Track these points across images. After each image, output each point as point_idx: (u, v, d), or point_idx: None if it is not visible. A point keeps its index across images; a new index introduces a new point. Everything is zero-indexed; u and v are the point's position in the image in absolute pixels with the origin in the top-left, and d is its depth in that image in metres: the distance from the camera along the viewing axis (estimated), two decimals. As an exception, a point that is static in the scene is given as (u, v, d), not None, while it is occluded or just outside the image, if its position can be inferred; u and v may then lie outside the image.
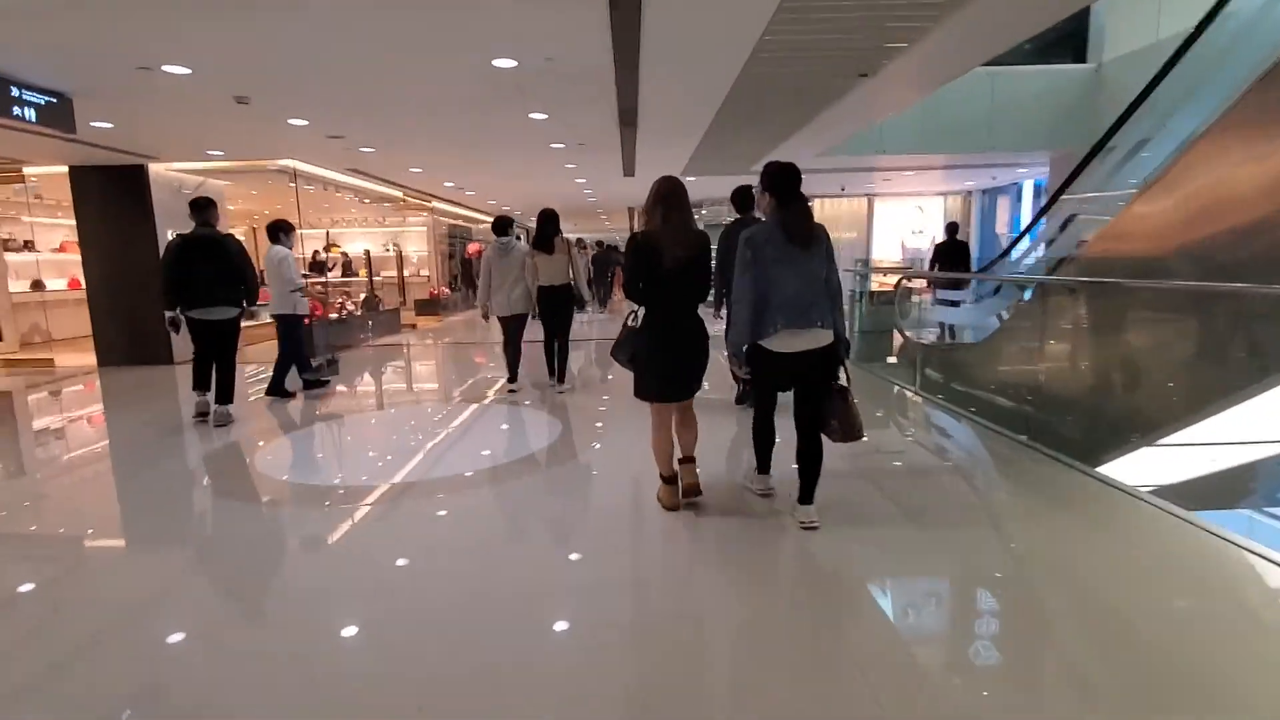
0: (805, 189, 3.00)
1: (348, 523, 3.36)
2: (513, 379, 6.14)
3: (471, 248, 19.23)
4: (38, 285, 10.82)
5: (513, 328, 6.04)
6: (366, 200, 11.98)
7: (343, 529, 3.29)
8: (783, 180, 2.92)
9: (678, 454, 3.26)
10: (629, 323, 3.28)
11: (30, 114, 4.60)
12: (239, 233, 18.57)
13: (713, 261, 3.23)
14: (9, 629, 2.47)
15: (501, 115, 6.09)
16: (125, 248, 8.51)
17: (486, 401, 6.11)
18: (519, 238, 6.73)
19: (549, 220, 5.79)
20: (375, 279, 15.54)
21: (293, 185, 9.37)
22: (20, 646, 2.34)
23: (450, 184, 11.42)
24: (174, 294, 5.05)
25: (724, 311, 4.50)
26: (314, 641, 2.32)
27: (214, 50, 4.16)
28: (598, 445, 4.65)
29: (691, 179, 11.39)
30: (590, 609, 2.49)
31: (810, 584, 2.77)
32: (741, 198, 4.95)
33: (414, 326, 12.54)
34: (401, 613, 2.49)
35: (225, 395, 5.31)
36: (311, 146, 7.57)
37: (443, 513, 3.47)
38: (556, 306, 5.86)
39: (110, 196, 8.42)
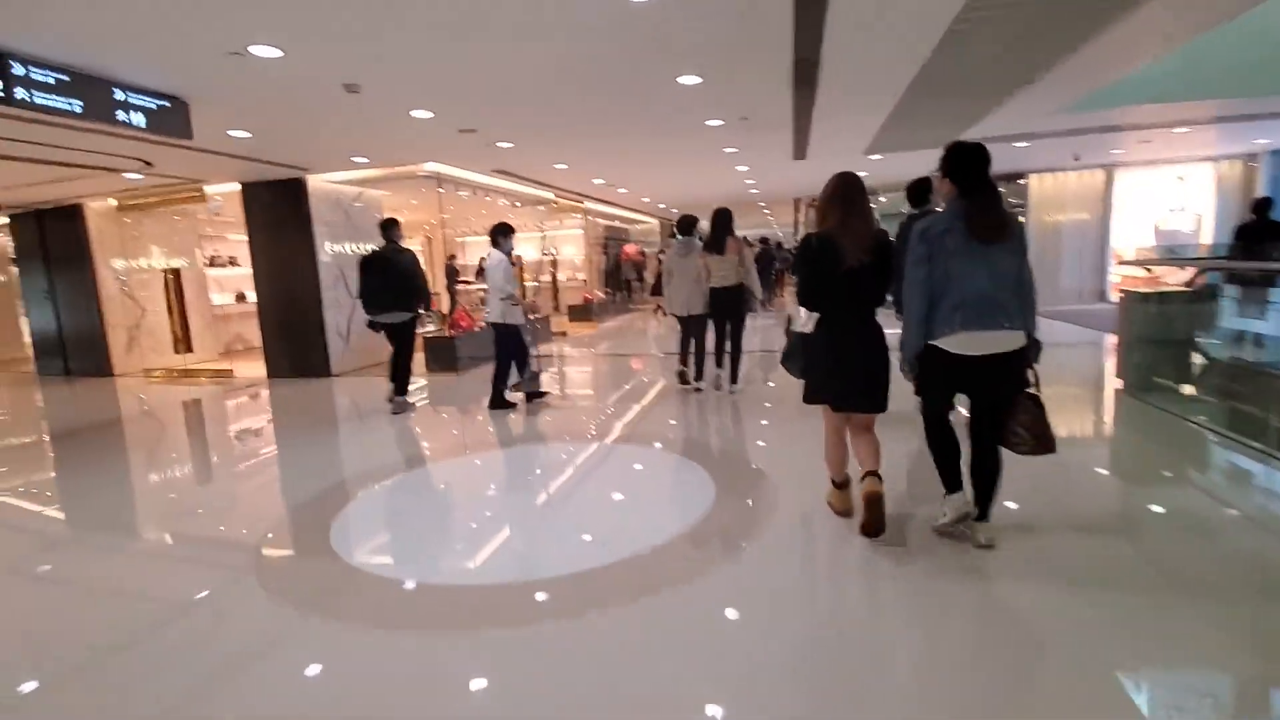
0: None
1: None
2: (698, 376, 6.25)
3: (629, 249, 18.62)
4: (241, 298, 11.76)
5: (693, 328, 6.09)
6: (518, 204, 11.56)
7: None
8: (967, 164, 2.63)
9: (857, 469, 2.99)
10: (793, 328, 3.17)
11: (139, 119, 4.23)
12: (414, 244, 19.60)
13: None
14: None
15: (644, 80, 4.93)
16: (287, 262, 8.62)
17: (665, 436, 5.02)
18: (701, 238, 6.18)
19: (721, 220, 5.74)
20: (531, 284, 15.36)
21: (441, 191, 9.02)
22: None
23: (599, 180, 10.60)
24: (364, 301, 5.95)
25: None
26: None
27: (306, 27, 3.44)
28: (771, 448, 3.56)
29: (876, 159, 9.52)
30: None
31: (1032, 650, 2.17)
32: (918, 191, 4.67)
33: (564, 334, 11.93)
34: None
35: (400, 387, 6.23)
36: (451, 147, 7.00)
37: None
38: (729, 307, 5.81)
39: (274, 211, 8.57)
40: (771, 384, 6.73)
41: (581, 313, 13.91)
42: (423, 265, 6.32)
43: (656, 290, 11.83)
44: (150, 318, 10.26)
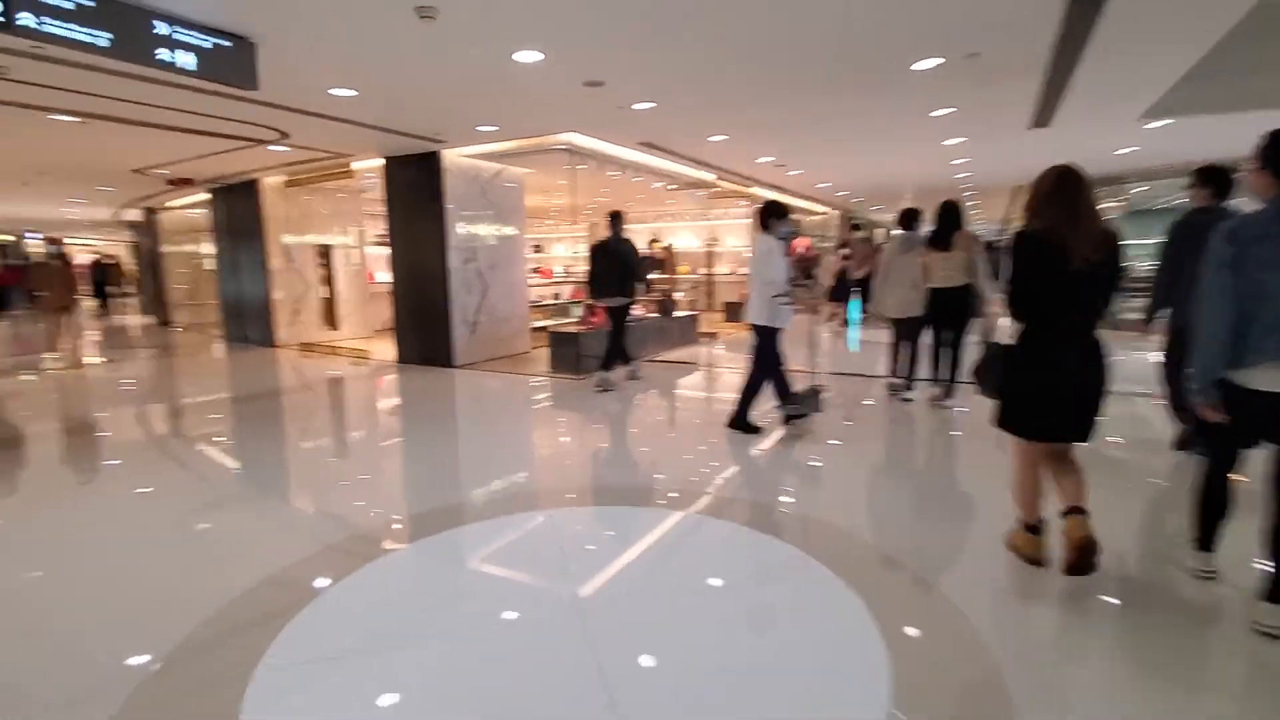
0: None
1: None
2: (907, 386, 5.74)
3: (798, 244, 16.61)
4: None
5: (907, 331, 5.66)
6: (672, 186, 10.28)
7: None
8: None
9: (1057, 505, 2.56)
10: (991, 338, 2.80)
11: (187, 60, 3.50)
12: (551, 229, 19.17)
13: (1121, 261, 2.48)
14: None
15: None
16: (419, 242, 8.11)
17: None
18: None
19: (949, 213, 5.23)
20: (680, 277, 14.13)
21: (583, 167, 7.99)
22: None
23: (766, 158, 8.96)
24: (590, 286, 6.66)
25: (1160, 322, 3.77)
26: None
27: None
28: None
29: (1155, 126, 6.92)
30: None
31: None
32: (1219, 178, 3.55)
33: (714, 335, 10.48)
34: None
35: (607, 364, 6.67)
36: (578, 108, 5.86)
37: None
38: (952, 311, 5.23)
39: (410, 188, 8.08)
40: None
41: (738, 311, 12.36)
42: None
43: (838, 295, 9.79)
44: (312, 293, 10.49)
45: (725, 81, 5.10)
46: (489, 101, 5.57)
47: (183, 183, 10.25)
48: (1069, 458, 2.61)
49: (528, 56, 4.27)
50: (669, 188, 10.31)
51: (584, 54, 4.32)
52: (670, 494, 3.68)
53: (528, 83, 4.92)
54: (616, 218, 6.62)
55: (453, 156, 7.78)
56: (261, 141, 7.06)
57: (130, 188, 10.98)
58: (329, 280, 10.36)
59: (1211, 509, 2.50)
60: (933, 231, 5.25)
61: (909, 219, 5.68)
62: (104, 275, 17.66)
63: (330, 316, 10.37)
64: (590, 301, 6.72)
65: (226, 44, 3.67)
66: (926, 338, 5.58)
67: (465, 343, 8.13)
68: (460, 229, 8.00)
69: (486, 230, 8.39)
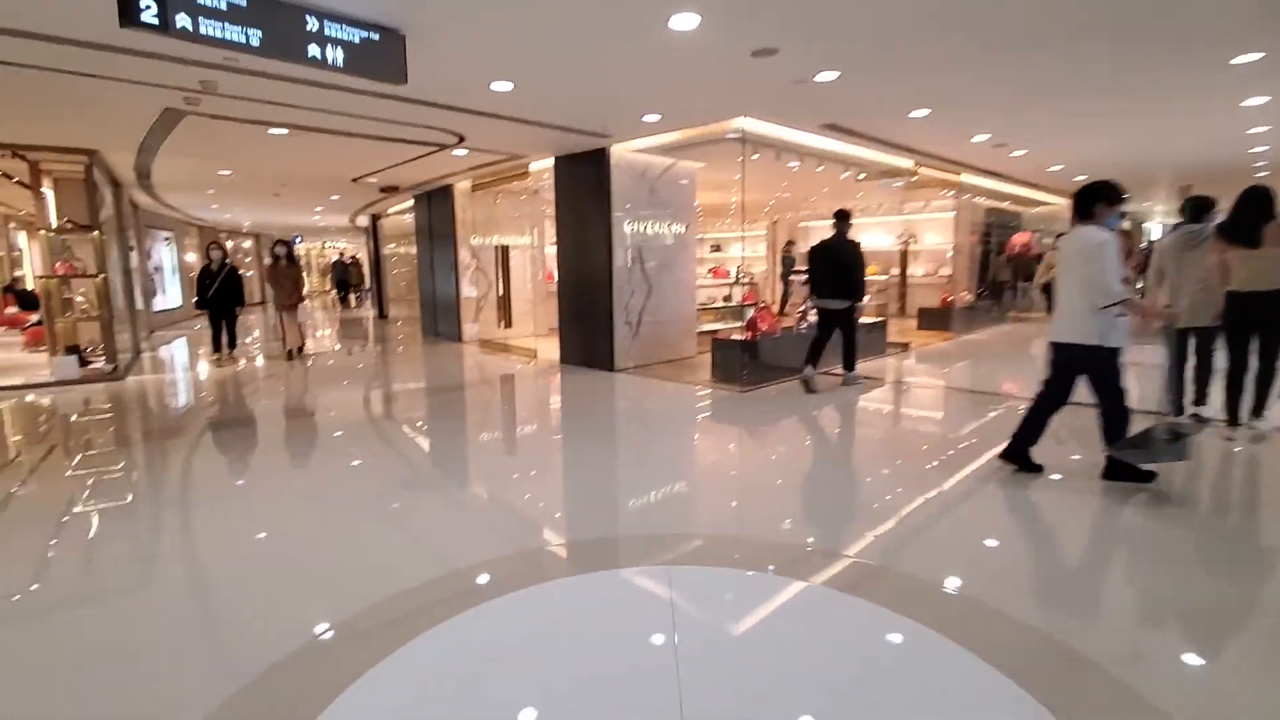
0: None
1: None
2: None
3: (1019, 239, 14.21)
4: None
5: (1196, 343, 4.77)
6: (862, 176, 9.11)
7: None
8: None
9: None
10: None
11: (337, 56, 3.44)
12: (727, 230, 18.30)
13: None
14: None
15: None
16: (584, 241, 7.95)
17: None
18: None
19: (1257, 201, 4.26)
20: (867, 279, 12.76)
21: (758, 157, 7.25)
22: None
23: (982, 137, 7.49)
24: (811, 286, 6.55)
25: None
26: None
27: None
28: None
29: None
30: None
31: None
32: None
33: (905, 346, 9.13)
34: None
35: (849, 363, 6.66)
36: (749, 85, 5.18)
37: None
38: (1263, 317, 4.29)
39: (577, 186, 7.95)
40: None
41: (936, 319, 10.76)
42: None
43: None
44: (492, 293, 10.97)
45: (931, 39, 4.10)
46: (648, 84, 5.10)
47: (391, 190, 11.26)
48: None
49: (684, 21, 3.70)
50: (859, 178, 9.16)
51: (747, 12, 3.64)
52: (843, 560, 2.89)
53: (688, 57, 4.35)
54: (842, 216, 6.43)
55: (620, 152, 7.49)
56: (443, 146, 7.32)
57: (354, 196, 12.36)
58: (505, 279, 10.73)
59: None
60: (1232, 223, 4.38)
61: (1198, 208, 4.71)
62: (344, 274, 20.44)
63: (506, 314, 10.74)
64: (813, 303, 6.63)
65: (374, 37, 3.58)
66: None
67: (626, 345, 7.83)
68: (626, 227, 7.69)
69: (654, 228, 8.01)
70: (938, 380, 7.33)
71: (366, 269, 20.27)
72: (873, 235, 14.62)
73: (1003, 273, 14.13)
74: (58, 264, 8.17)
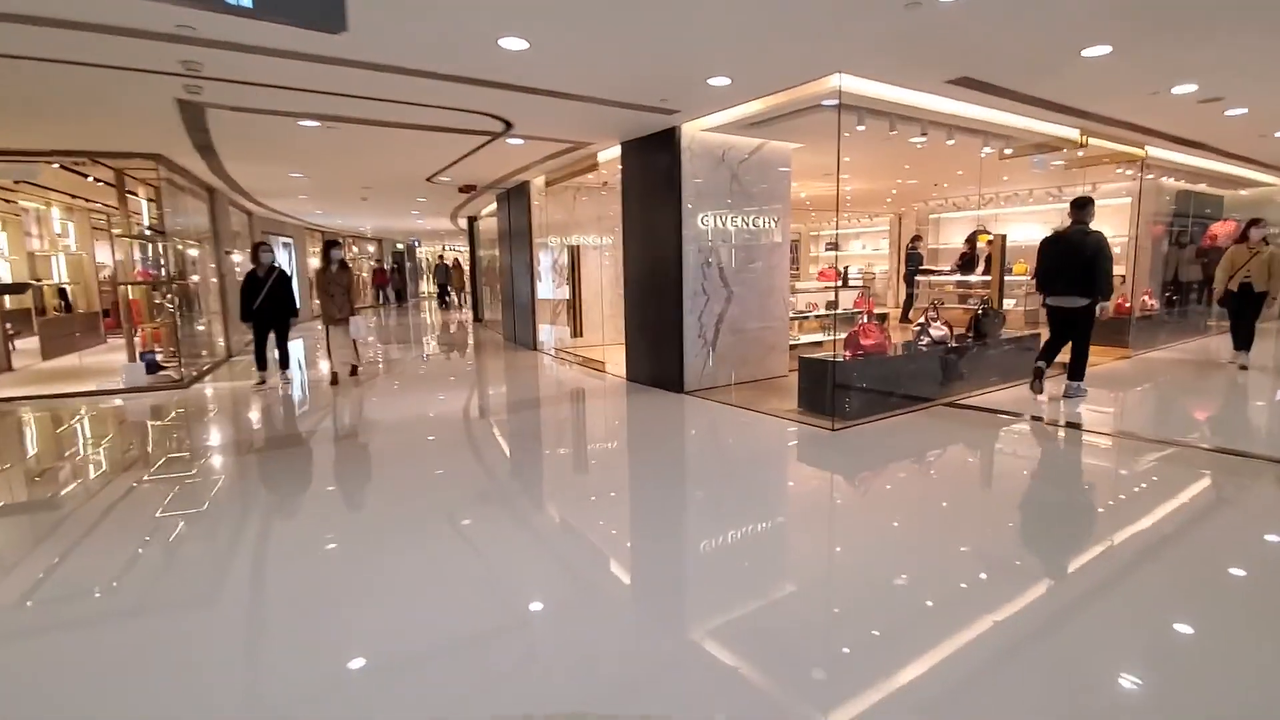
0: None
1: None
2: None
3: (1220, 228, 11.27)
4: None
5: None
6: (1008, 151, 7.22)
7: None
8: None
9: None
10: None
11: (236, -8, 2.52)
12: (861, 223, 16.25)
13: None
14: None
15: None
16: (651, 239, 6.79)
17: None
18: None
19: None
20: (1015, 279, 10.56)
21: (864, 129, 5.73)
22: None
23: (1186, 87, 5.44)
24: (1038, 282, 5.95)
25: None
26: None
27: None
28: None
29: None
30: None
31: None
32: None
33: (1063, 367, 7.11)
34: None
35: (1076, 373, 5.88)
36: (850, 28, 3.79)
37: None
38: None
39: (645, 175, 6.80)
40: None
41: (1110, 330, 8.48)
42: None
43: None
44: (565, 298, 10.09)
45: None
46: (702, 33, 3.86)
47: (470, 189, 10.70)
48: None
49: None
50: (1004, 153, 7.28)
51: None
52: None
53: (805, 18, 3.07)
54: (1079, 205, 5.75)
55: (692, 131, 6.26)
56: (492, 134, 6.46)
57: (440, 198, 11.99)
58: (576, 284, 9.79)
59: None
60: None
61: None
62: (445, 276, 20.67)
63: (577, 322, 9.79)
64: (1045, 302, 5.97)
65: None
66: None
67: (699, 362, 6.58)
68: (702, 222, 6.45)
69: (738, 222, 6.69)
70: (1124, 420, 5.45)
71: (466, 271, 20.36)
72: (1024, 227, 12.28)
73: (1191, 270, 11.28)
74: (137, 270, 8.23)
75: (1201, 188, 11.00)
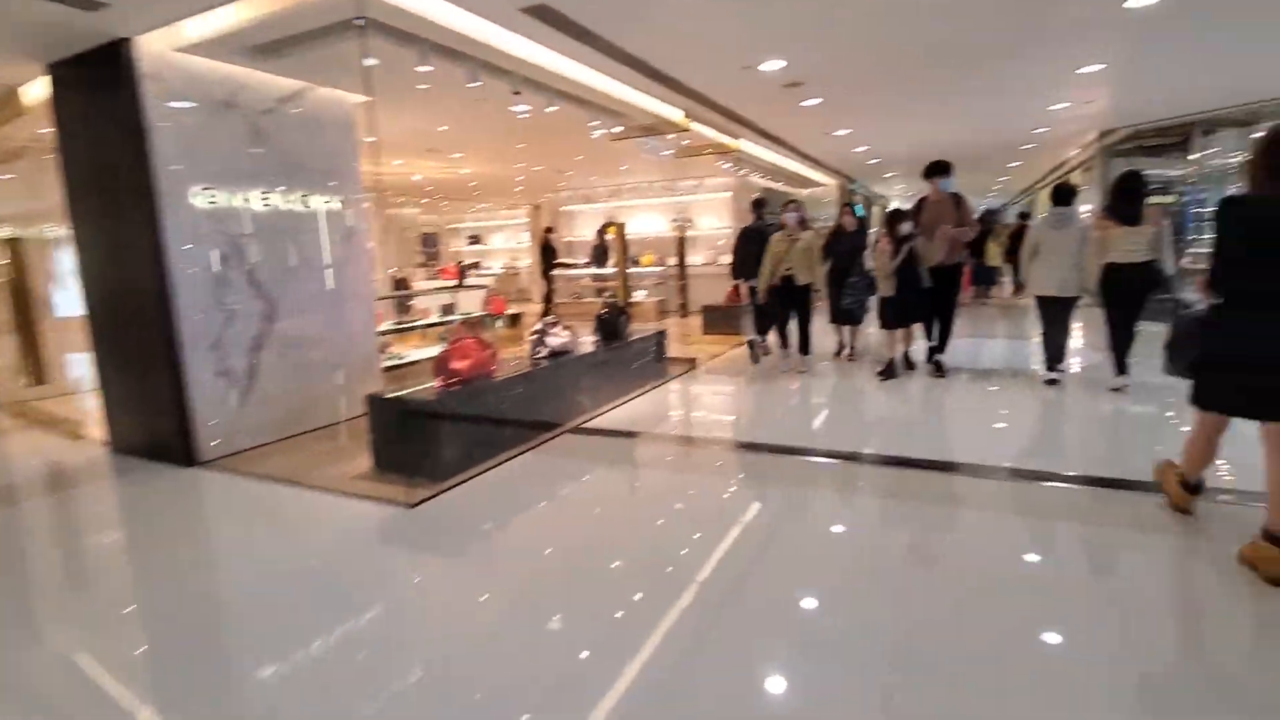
0: None
1: None
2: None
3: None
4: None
5: (1055, 311, 5.06)
6: (617, 129, 6.48)
7: None
8: None
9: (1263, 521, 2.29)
10: (1185, 311, 2.67)
11: None
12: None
13: None
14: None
15: None
16: (115, 231, 4.24)
17: None
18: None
19: (1137, 182, 4.60)
20: (630, 269, 10.47)
21: (429, 70, 4.15)
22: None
23: (777, 63, 5.18)
24: (734, 271, 6.88)
25: None
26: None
27: None
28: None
29: None
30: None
31: None
32: None
33: (693, 363, 6.73)
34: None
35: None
36: None
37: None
38: (1137, 286, 4.56)
39: (96, 121, 4.17)
40: None
41: (723, 319, 8.63)
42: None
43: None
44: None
45: None
46: None
47: None
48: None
49: None
50: (613, 131, 6.52)
51: None
52: None
53: None
54: (758, 205, 6.68)
55: (161, 50, 3.93)
56: None
57: None
58: (23, 300, 6.33)
59: None
60: (1117, 203, 4.62)
61: (1064, 195, 5.08)
62: None
63: (33, 363, 6.28)
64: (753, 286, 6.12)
65: None
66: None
67: (224, 414, 4.30)
68: (207, 201, 4.16)
69: (272, 202, 4.56)
70: (757, 427, 4.95)
71: None
72: (645, 219, 12.44)
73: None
74: None
75: (781, 186, 12.40)
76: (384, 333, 5.79)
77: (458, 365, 3.98)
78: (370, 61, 4.02)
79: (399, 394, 3.85)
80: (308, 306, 4.80)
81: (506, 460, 3.97)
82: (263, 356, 4.51)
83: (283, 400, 4.61)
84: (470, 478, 3.68)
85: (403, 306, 7.27)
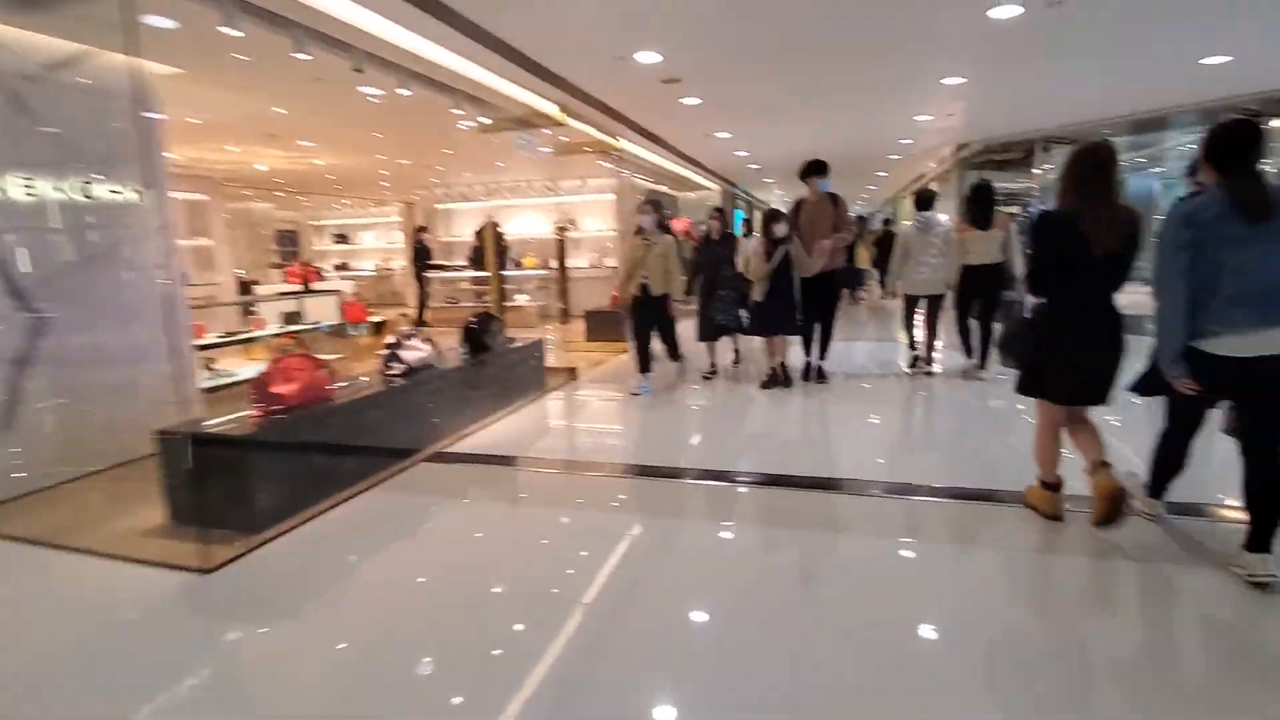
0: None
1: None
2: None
3: (679, 224, 12.78)
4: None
5: (923, 308, 5.62)
6: (482, 120, 5.94)
7: None
8: (1227, 145, 2.21)
9: (1083, 464, 2.65)
10: (1016, 312, 3.00)
11: None
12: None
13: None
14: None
15: None
16: None
17: None
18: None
19: (989, 192, 5.23)
20: (511, 272, 9.95)
21: (239, 35, 3.47)
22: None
23: (652, 56, 4.88)
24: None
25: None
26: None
27: None
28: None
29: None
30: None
31: None
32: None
33: (573, 373, 6.32)
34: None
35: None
36: None
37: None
38: (989, 286, 5.20)
39: None
40: None
41: (606, 325, 8.29)
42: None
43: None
44: None
45: None
46: None
47: None
48: (1085, 418, 2.71)
49: None
50: (480, 121, 5.97)
51: None
52: None
53: None
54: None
55: None
56: None
57: None
58: None
59: (1167, 465, 2.65)
60: (972, 210, 5.23)
61: (925, 201, 5.52)
62: None
63: None
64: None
65: None
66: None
67: (-33, 459, 3.38)
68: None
69: (40, 191, 3.66)
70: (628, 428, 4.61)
71: None
72: (526, 219, 11.90)
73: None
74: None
75: (664, 189, 12.27)
76: (205, 347, 4.92)
77: (281, 389, 3.33)
78: (160, 21, 3.29)
79: (198, 428, 3.15)
80: (94, 318, 3.92)
81: (345, 500, 3.37)
82: (26, 382, 3.60)
83: (55, 436, 3.72)
84: (295, 526, 3.06)
85: (248, 313, 6.34)
